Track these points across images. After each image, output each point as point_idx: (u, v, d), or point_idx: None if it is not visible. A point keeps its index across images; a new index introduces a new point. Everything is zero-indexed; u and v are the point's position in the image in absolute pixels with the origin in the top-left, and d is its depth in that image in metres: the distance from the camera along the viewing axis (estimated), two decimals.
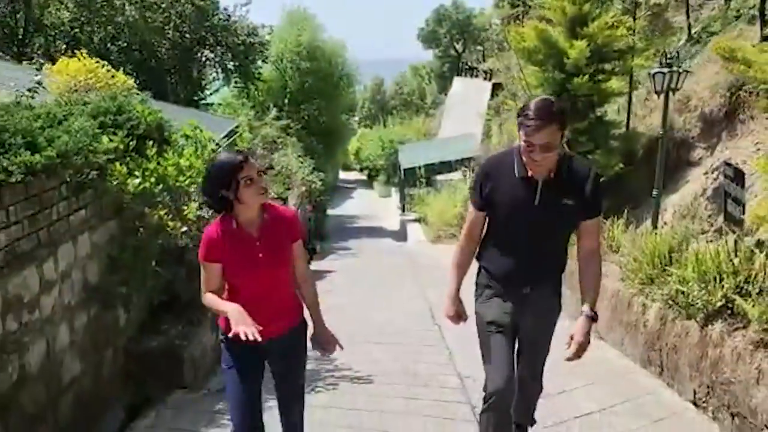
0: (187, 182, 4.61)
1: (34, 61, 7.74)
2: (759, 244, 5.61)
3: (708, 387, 4.34)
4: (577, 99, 8.36)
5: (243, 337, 2.50)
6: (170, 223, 4.43)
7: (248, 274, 2.73)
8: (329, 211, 27.96)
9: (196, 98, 22.01)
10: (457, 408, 4.23)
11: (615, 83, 8.68)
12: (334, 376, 4.92)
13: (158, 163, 4.48)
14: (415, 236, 21.41)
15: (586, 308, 2.90)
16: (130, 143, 4.44)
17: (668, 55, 7.22)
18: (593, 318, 2.90)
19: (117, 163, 4.14)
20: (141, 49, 20.01)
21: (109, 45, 19.80)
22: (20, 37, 18.95)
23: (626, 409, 4.19)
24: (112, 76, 5.55)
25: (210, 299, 2.76)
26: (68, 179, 3.77)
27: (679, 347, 4.75)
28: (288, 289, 2.91)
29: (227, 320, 2.70)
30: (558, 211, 2.86)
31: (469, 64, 40.19)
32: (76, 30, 19.84)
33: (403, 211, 26.43)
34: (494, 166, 3.02)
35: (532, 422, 3.40)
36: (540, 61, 8.46)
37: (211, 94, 23.46)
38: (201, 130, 5.05)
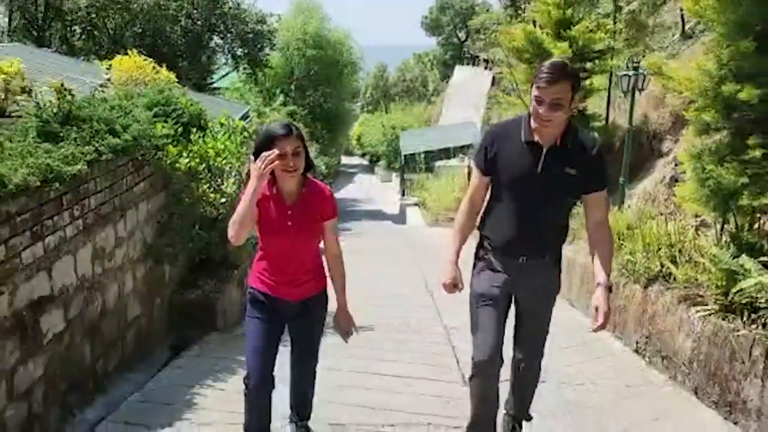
0: (223, 162, 5.58)
1: (88, 56, 8.56)
2: (701, 223, 6.62)
3: (646, 337, 5.32)
4: None
5: (264, 159, 2.66)
6: (211, 195, 5.41)
7: (276, 237, 2.89)
8: None
9: (204, 83, 22.87)
10: (443, 348, 5.25)
11: (596, 80, 9.61)
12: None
13: (200, 146, 5.46)
14: (414, 220, 22.23)
15: (602, 279, 2.88)
16: (178, 129, 5.41)
17: (634, 60, 8.15)
18: (610, 288, 2.89)
19: (170, 146, 5.12)
20: (154, 35, 20.82)
21: (124, 31, 20.67)
22: (40, 23, 19.81)
23: (576, 349, 5.18)
24: (157, 72, 6.50)
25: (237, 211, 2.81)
26: (135, 158, 4.75)
27: (627, 307, 5.73)
28: (313, 260, 3.04)
29: (255, 277, 3.01)
30: (559, 180, 2.84)
31: (471, 53, 40.87)
32: (93, 16, 20.65)
33: (403, 195, 27.32)
34: (502, 130, 3.01)
35: (528, 417, 3.38)
36: (528, 59, 9.36)
37: (219, 78, 24.32)
38: (233, 119, 6.01)
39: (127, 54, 6.79)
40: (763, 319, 3.79)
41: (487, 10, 47.42)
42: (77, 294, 3.97)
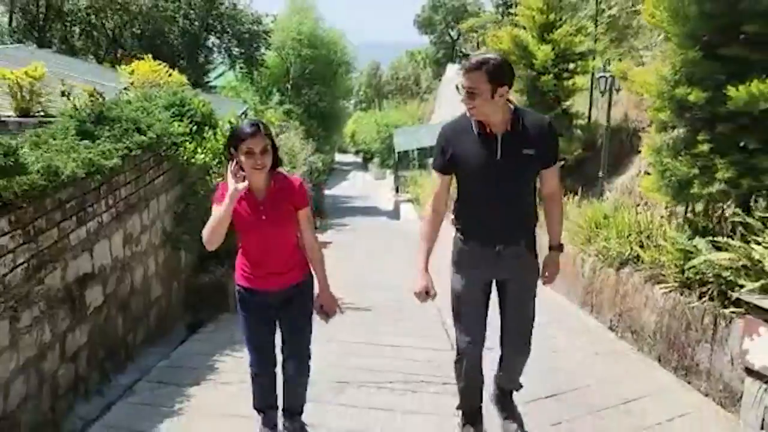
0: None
1: (110, 60, 9.03)
2: (671, 213, 7.20)
3: (618, 315, 5.88)
4: (545, 94, 9.88)
5: (231, 187, 2.84)
6: None
7: (252, 231, 3.02)
8: (326, 192, 29.39)
9: (201, 82, 23.35)
10: (433, 325, 5.80)
11: (579, 81, 10.19)
12: (342, 306, 6.49)
13: (212, 143, 6.00)
14: (408, 215, 22.81)
15: (553, 242, 3.26)
16: (192, 128, 5.95)
17: (609, 61, 8.76)
18: (559, 248, 3.27)
19: (187, 143, 5.66)
20: (153, 36, 21.31)
21: (123, 31, 21.14)
22: (41, 23, 20.25)
23: (554, 326, 5.74)
24: (170, 75, 7.02)
25: (209, 225, 2.96)
26: (157, 153, 5.29)
27: (603, 288, 6.30)
28: (292, 249, 3.15)
29: (241, 274, 3.15)
30: (519, 162, 2.96)
31: (463, 51, 41.35)
32: (92, 17, 21.10)
33: (397, 191, 27.87)
34: (453, 128, 3.11)
35: (518, 387, 3.52)
36: (513, 61, 9.89)
37: (216, 78, 24.82)
38: (245, 117, 6.54)
39: (126, 54, 7.30)
40: (711, 292, 4.35)
41: (479, 9, 48.06)
42: (112, 273, 4.52)
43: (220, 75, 25.00)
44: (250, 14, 23.21)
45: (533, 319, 3.29)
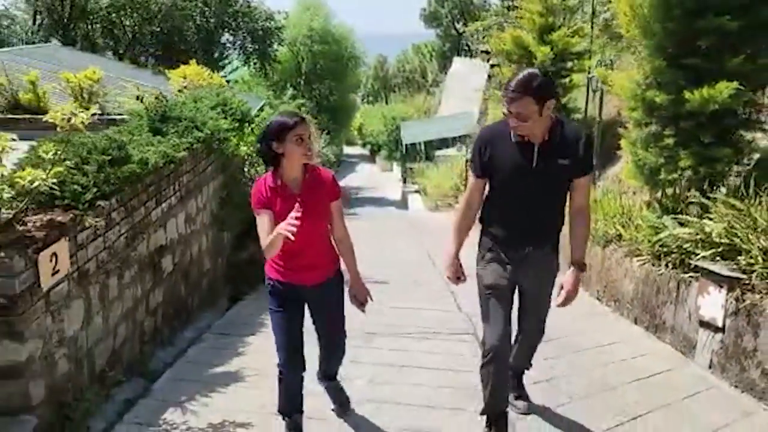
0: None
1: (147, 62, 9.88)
2: (651, 198, 8.05)
3: (604, 286, 6.78)
4: None
5: (284, 233, 2.72)
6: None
7: None
8: None
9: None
10: (442, 293, 6.73)
11: (576, 78, 11.04)
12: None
13: (253, 137, 6.94)
14: (415, 205, 23.56)
15: (575, 259, 3.18)
16: (234, 124, 6.87)
17: (601, 63, 9.61)
18: (582, 267, 3.18)
19: (231, 137, 6.59)
20: (170, 33, 22.23)
21: (142, 29, 22.06)
22: (65, 22, 21.20)
23: None
24: (211, 77, 7.94)
25: (264, 242, 2.95)
26: (209, 146, 6.21)
27: (593, 265, 7.19)
28: (326, 243, 3.19)
29: (271, 267, 3.16)
30: (554, 172, 3.00)
31: (469, 44, 42.06)
32: (113, 15, 22.03)
33: (405, 182, 28.72)
34: (492, 133, 3.15)
35: (529, 366, 3.73)
36: (515, 60, 10.82)
37: (231, 72, 25.72)
38: (273, 113, 7.50)
39: (143, 50, 8.16)
40: (675, 261, 5.25)
41: (485, 2, 48.70)
42: (178, 246, 5.46)
43: (235, 70, 25.89)
44: (263, 11, 24.05)
45: (548, 310, 3.43)
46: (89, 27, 22.19)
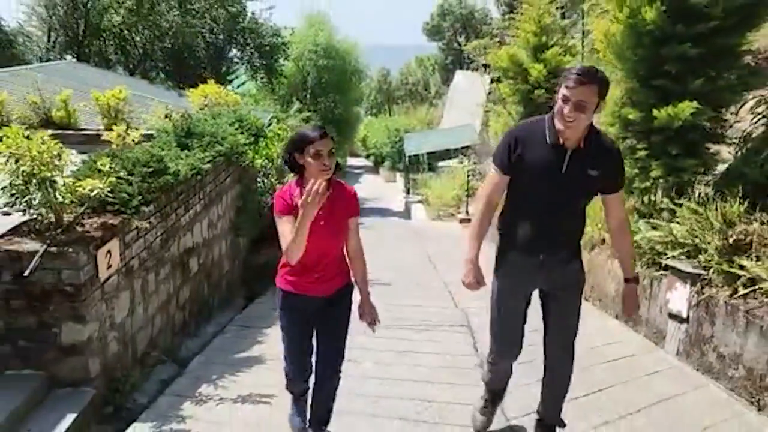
0: (280, 162, 7.65)
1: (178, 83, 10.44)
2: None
3: (591, 287, 7.36)
4: (539, 105, 11.38)
5: (316, 187, 2.66)
6: (277, 186, 7.51)
7: (310, 237, 2.86)
8: None
9: None
10: (440, 293, 7.34)
11: None
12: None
13: (267, 151, 7.58)
14: (418, 215, 24.10)
15: (627, 274, 3.18)
16: (251, 139, 7.51)
17: None
18: (635, 281, 3.21)
19: (248, 151, 7.23)
20: (180, 49, 23.00)
21: (154, 46, 22.83)
22: (80, 39, 21.99)
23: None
24: (227, 95, 8.60)
25: (286, 242, 2.89)
26: (229, 159, 6.85)
27: None
28: (339, 256, 3.19)
29: (287, 279, 3.16)
30: (582, 180, 2.90)
31: (470, 57, 42.78)
32: (125, 32, 22.82)
33: (408, 193, 29.30)
34: (526, 131, 3.01)
35: (562, 424, 3.41)
36: (511, 76, 11.47)
37: (238, 87, 26.43)
38: (287, 131, 8.13)
39: (153, 65, 8.79)
40: (648, 260, 5.84)
41: (486, 16, 49.55)
42: (202, 249, 6.09)
43: (242, 84, 26.61)
44: (270, 27, 24.80)
45: (576, 331, 3.24)
46: (102, 44, 22.94)
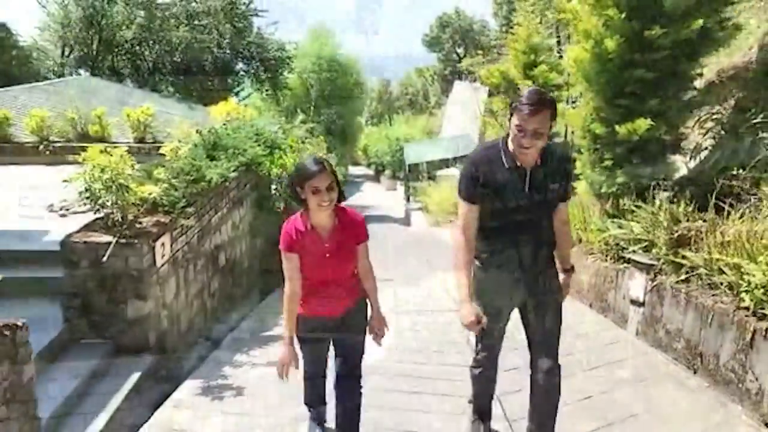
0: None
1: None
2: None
3: (595, 295, 8.26)
4: None
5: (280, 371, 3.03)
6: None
7: (316, 269, 3.01)
8: (342, 203, 31.43)
9: None
10: (436, 288, 8.23)
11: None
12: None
13: (283, 161, 8.51)
14: (418, 222, 24.86)
15: (565, 264, 3.39)
16: (266, 150, 8.44)
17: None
18: (572, 270, 3.42)
19: (266, 161, 8.15)
20: (189, 63, 23.96)
21: (164, 60, 23.80)
22: (94, 54, 22.97)
23: None
24: (245, 111, 9.52)
25: (286, 307, 3.10)
26: (249, 168, 7.77)
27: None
28: (351, 278, 3.21)
29: (302, 306, 3.18)
30: (546, 195, 3.00)
31: (469, 68, 43.69)
32: (136, 47, 23.80)
33: (408, 200, 30.13)
34: (482, 158, 3.05)
35: None
36: (502, 91, 12.47)
37: (244, 98, 27.38)
38: (301, 142, 9.05)
39: (163, 78, 9.66)
40: (614, 255, 6.74)
41: (484, 27, 50.59)
42: (228, 246, 7.00)
43: (248, 96, 27.58)
44: (275, 42, 25.77)
45: (558, 333, 3.31)
46: (114, 58, 23.89)
